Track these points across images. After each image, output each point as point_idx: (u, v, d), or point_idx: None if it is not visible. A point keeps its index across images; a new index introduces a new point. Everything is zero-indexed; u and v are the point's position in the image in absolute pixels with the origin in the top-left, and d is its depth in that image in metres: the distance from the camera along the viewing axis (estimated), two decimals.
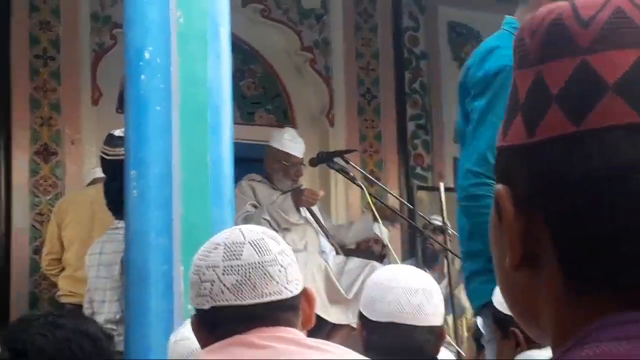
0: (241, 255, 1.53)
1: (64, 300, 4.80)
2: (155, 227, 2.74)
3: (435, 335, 2.06)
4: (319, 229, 4.97)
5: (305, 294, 1.60)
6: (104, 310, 3.36)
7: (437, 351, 2.09)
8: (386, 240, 5.31)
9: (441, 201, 4.69)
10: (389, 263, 5.30)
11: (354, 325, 4.41)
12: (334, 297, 4.59)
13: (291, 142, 4.97)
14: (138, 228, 2.77)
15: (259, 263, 1.53)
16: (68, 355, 1.85)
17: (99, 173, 4.33)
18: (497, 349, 2.29)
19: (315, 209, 4.99)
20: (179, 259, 2.71)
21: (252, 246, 1.54)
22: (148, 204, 2.76)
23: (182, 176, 2.76)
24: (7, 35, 5.43)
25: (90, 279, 3.45)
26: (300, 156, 4.99)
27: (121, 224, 3.13)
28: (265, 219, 4.73)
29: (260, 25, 6.29)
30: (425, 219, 5.26)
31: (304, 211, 4.89)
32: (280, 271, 1.54)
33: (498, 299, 2.19)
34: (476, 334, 2.77)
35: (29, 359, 1.84)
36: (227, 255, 1.54)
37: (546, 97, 0.61)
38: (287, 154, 4.96)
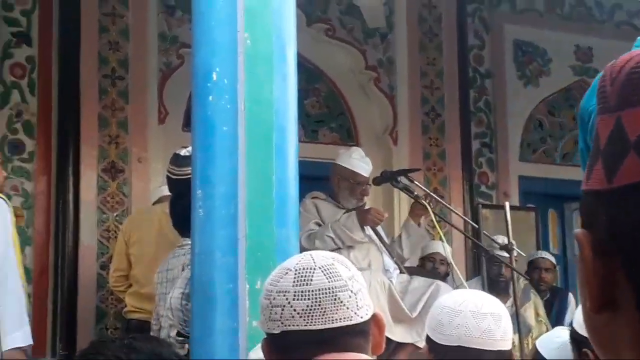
0: (311, 280, 1.54)
1: (130, 316, 4.86)
2: (221, 246, 2.75)
3: None
4: (383, 247, 4.95)
5: (375, 320, 1.60)
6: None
7: None
8: (450, 259, 5.28)
9: (506, 220, 4.63)
10: (453, 281, 5.27)
11: (418, 345, 4.41)
12: (398, 315, 4.57)
13: (359, 162, 4.96)
14: (204, 247, 2.78)
15: (329, 289, 1.53)
16: None
17: (165, 191, 4.37)
18: None
19: (379, 227, 4.97)
20: (244, 277, 2.72)
21: (322, 272, 1.55)
22: (214, 223, 2.77)
23: (248, 196, 2.77)
24: (77, 56, 5.54)
25: (158, 295, 3.50)
26: (367, 175, 4.97)
27: (187, 241, 3.16)
28: (329, 237, 4.73)
29: (325, 45, 6.31)
30: (490, 238, 5.21)
31: (367, 229, 4.88)
32: (350, 297, 1.54)
33: (578, 320, 2.19)
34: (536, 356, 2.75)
35: None
36: (298, 281, 1.54)
37: (624, 144, 0.61)
38: (355, 172, 4.94)
